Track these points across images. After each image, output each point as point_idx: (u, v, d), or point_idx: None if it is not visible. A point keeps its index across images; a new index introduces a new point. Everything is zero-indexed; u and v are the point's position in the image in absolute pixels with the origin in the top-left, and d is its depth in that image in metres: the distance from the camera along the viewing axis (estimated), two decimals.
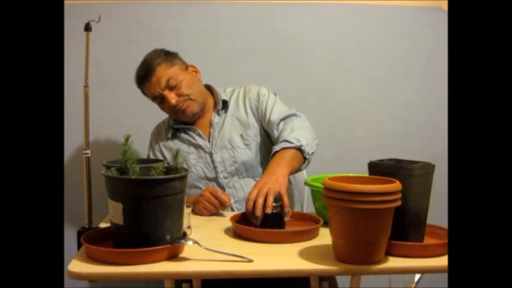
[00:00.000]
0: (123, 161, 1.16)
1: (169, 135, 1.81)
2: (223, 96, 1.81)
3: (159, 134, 1.85)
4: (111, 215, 1.15)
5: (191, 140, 1.79)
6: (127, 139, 1.17)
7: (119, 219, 1.12)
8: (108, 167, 1.25)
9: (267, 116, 1.72)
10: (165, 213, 1.12)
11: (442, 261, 1.14)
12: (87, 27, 1.42)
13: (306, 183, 1.58)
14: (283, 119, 1.68)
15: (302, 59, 2.19)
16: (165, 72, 1.70)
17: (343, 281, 1.46)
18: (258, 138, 1.76)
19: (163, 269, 1.09)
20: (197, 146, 1.78)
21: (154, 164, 1.16)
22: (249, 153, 1.74)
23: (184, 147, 1.78)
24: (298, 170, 1.60)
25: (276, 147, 1.55)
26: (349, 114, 2.27)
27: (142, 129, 2.13)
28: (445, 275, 1.01)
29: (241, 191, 1.71)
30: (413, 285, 1.70)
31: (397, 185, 1.10)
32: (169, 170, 1.18)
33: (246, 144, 1.74)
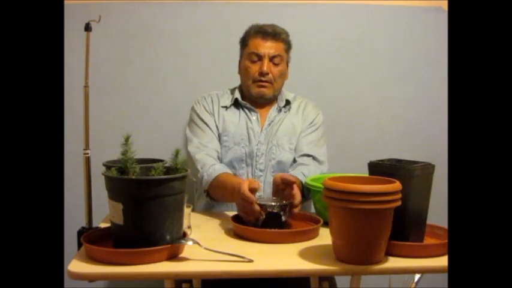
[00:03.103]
0: (123, 161, 1.16)
1: (230, 104, 1.84)
2: (287, 96, 1.89)
3: (217, 99, 1.85)
4: (111, 215, 1.15)
5: (247, 120, 1.82)
6: (127, 139, 1.17)
7: (119, 219, 1.12)
8: (108, 167, 1.24)
9: (302, 142, 1.81)
10: (165, 213, 1.12)
11: (442, 261, 1.14)
12: (87, 27, 1.42)
13: (306, 183, 1.58)
14: (310, 156, 1.79)
15: (302, 58, 2.19)
16: (281, 49, 1.81)
17: (343, 281, 1.46)
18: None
19: (163, 269, 1.09)
20: (250, 129, 1.80)
21: (154, 164, 1.17)
22: (289, 156, 1.79)
23: (237, 123, 1.81)
24: None
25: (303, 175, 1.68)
26: (349, 114, 2.26)
27: (142, 129, 2.13)
28: (445, 275, 1.01)
29: (268, 188, 1.71)
30: (413, 285, 1.70)
31: (397, 185, 1.10)
32: (169, 170, 1.18)
33: (290, 149, 1.80)
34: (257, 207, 1.38)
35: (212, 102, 1.84)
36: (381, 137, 2.26)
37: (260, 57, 1.78)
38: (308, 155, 1.79)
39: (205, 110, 1.82)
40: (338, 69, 2.25)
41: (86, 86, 1.42)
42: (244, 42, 1.85)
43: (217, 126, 1.80)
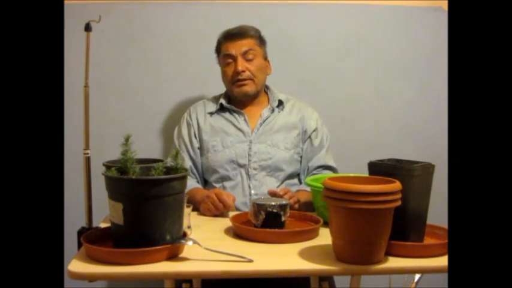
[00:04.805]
0: (123, 161, 1.16)
1: (215, 110, 1.88)
2: (280, 97, 1.91)
3: (201, 109, 1.90)
4: (111, 215, 1.15)
5: (235, 122, 1.86)
6: (127, 139, 1.17)
7: (119, 219, 1.12)
8: (108, 167, 1.24)
9: (314, 154, 1.86)
10: (165, 213, 1.12)
11: (442, 261, 1.14)
12: (87, 27, 1.42)
13: (306, 183, 1.58)
14: (328, 167, 1.86)
15: (302, 58, 2.19)
16: (252, 44, 1.85)
17: (343, 281, 1.46)
18: (295, 148, 1.85)
19: (163, 269, 1.09)
20: (239, 130, 1.84)
21: (154, 164, 1.17)
22: (285, 155, 1.81)
23: (225, 127, 1.85)
24: None
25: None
26: (349, 114, 2.26)
27: (142, 129, 2.13)
28: (445, 275, 1.01)
29: (264, 187, 1.75)
30: (413, 285, 1.70)
31: (397, 185, 1.10)
32: (169, 170, 1.18)
33: (285, 148, 1.82)
34: (230, 201, 1.55)
35: (197, 112, 1.89)
36: (381, 137, 2.26)
37: (233, 58, 1.83)
38: (325, 167, 1.84)
39: (186, 125, 1.88)
40: (338, 69, 2.24)
41: (86, 86, 1.42)
42: (218, 50, 1.91)
43: (200, 137, 1.85)
